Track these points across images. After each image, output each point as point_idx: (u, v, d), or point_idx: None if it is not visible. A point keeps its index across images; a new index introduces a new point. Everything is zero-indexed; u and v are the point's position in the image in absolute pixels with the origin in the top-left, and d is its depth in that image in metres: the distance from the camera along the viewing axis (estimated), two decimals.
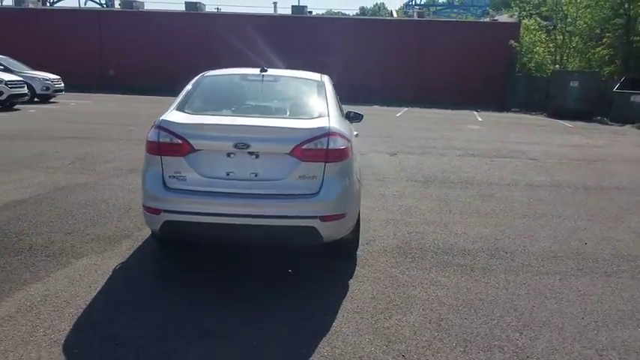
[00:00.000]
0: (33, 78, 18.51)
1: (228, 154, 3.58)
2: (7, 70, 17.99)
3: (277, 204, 3.55)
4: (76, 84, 23.57)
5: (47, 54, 26.85)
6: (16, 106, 16.42)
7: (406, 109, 23.93)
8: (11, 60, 19.28)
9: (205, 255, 4.45)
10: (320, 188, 3.63)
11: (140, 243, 4.61)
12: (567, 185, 7.95)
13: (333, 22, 32.80)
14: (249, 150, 3.56)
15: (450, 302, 3.72)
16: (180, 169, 3.60)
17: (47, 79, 18.86)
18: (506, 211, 6.29)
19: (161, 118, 3.74)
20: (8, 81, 15.63)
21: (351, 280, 4.03)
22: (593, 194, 7.42)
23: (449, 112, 22.97)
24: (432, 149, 11.24)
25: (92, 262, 4.19)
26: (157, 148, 3.63)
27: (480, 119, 20.45)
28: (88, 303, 3.51)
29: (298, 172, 3.60)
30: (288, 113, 4.12)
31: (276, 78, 4.56)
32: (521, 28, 28.42)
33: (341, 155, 3.71)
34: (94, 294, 3.65)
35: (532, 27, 28.26)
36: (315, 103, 4.21)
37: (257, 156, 3.59)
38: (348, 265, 4.30)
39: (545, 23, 29.39)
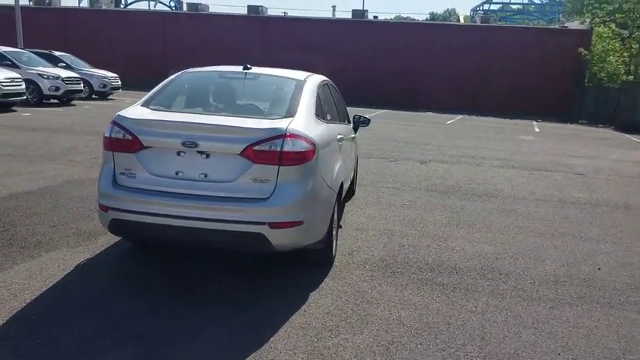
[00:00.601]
0: (91, 75, 19.45)
1: (179, 153, 3.43)
2: (68, 67, 18.98)
3: (225, 207, 3.35)
4: (140, 83, 24.74)
5: (114, 53, 28.25)
6: (74, 102, 17.27)
7: (461, 116, 23.10)
8: (74, 58, 20.34)
9: (175, 255, 4.33)
10: (272, 193, 3.40)
11: (116, 240, 4.56)
12: (606, 204, 7.23)
13: (397, 26, 32.26)
14: (198, 149, 3.40)
15: (410, 324, 3.38)
16: (131, 166, 3.49)
17: (105, 77, 19.72)
18: (522, 228, 5.76)
19: (117, 113, 3.65)
20: (65, 77, 16.46)
21: (314, 292, 3.77)
22: (633, 215, 6.69)
23: (507, 121, 21.94)
24: (468, 159, 10.67)
25: (60, 256, 4.18)
26: (109, 144, 3.54)
27: (537, 130, 19.34)
28: (34, 297, 3.47)
29: (250, 174, 3.39)
30: (253, 112, 3.92)
31: (255, 76, 4.38)
32: (593, 36, 26.67)
33: (298, 158, 3.46)
34: (46, 289, 3.60)
35: (605, 35, 26.41)
36: (286, 103, 3.98)
37: (207, 156, 3.41)
38: (318, 276, 4.03)
39: (619, 31, 27.44)
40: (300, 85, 4.23)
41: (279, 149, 3.37)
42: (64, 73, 16.72)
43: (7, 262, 3.99)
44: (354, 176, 6.51)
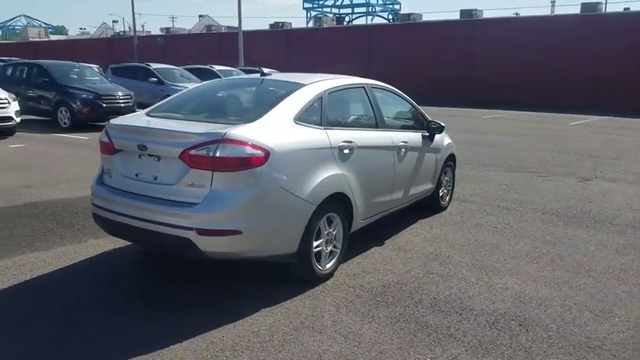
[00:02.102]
0: None
1: (140, 156, 3.58)
2: None
3: (162, 209, 3.38)
4: None
5: (317, 68, 30.51)
6: None
7: (597, 117, 18.42)
8: (274, 72, 22.56)
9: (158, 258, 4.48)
10: (204, 199, 3.29)
11: None
12: None
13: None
14: (148, 152, 3.50)
15: (329, 357, 2.90)
16: (110, 167, 3.78)
17: None
18: (625, 271, 4.37)
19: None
20: None
21: (265, 309, 3.51)
22: None
23: None
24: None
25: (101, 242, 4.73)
26: (100, 147, 3.90)
27: None
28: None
29: (188, 179, 3.35)
30: (222, 117, 3.82)
31: (261, 82, 4.30)
32: None
33: (235, 164, 3.28)
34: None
35: None
36: (261, 108, 3.80)
37: (159, 159, 3.49)
38: (288, 292, 3.75)
39: None
40: (293, 89, 4.00)
41: (211, 154, 3.25)
42: None
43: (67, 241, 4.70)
44: (436, 189, 5.83)
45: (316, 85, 4.14)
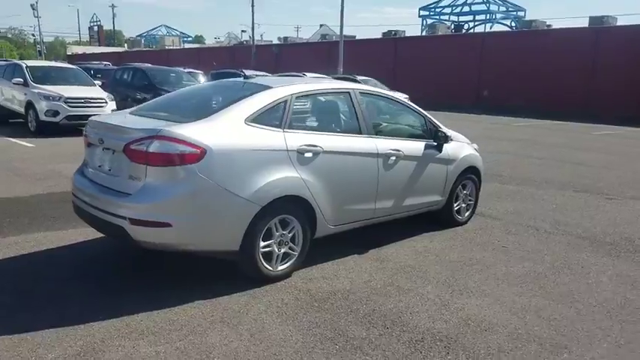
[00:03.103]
0: None
1: (103, 149, 3.92)
2: None
3: (108, 199, 3.66)
4: (453, 104, 26.14)
5: (424, 76, 30.01)
6: None
7: None
8: (374, 81, 22.59)
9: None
10: (137, 190, 3.52)
11: None
12: None
13: None
14: (104, 146, 3.82)
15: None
16: (87, 159, 4.18)
17: None
18: (622, 307, 3.85)
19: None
20: None
21: (199, 301, 3.64)
22: None
23: None
24: None
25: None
26: (84, 141, 4.31)
27: None
28: None
29: (129, 171, 3.60)
30: (178, 116, 3.98)
31: (239, 84, 4.45)
32: None
33: (168, 160, 3.45)
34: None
35: None
36: (217, 107, 3.94)
37: (113, 152, 3.78)
38: (234, 288, 3.84)
39: None
40: (257, 91, 4.10)
41: (145, 149, 3.47)
42: None
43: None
44: (449, 202, 5.55)
45: (283, 88, 4.19)
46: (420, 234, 5.41)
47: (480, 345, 3.21)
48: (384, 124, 4.99)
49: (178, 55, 49.89)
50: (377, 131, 4.80)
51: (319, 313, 3.55)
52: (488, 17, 49.12)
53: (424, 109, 5.38)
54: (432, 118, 5.42)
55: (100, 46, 69.93)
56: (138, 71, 15.18)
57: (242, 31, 75.14)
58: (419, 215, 5.49)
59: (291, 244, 4.08)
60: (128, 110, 4.52)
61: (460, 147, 5.64)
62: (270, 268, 3.97)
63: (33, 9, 47.58)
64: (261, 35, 63.62)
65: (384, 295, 3.89)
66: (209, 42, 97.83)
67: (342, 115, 4.71)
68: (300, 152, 4.01)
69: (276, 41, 53.34)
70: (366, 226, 4.87)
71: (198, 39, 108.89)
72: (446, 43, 32.87)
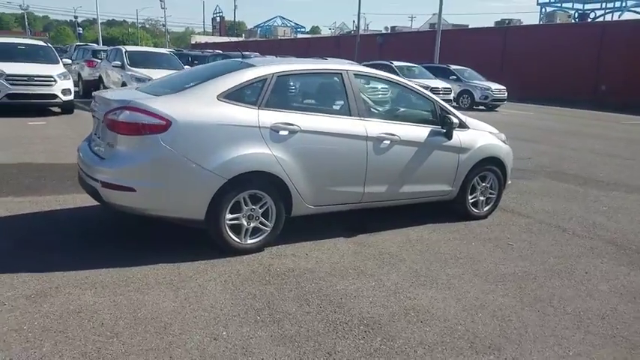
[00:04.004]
0: (475, 87, 20.35)
1: (96, 119, 4.30)
2: (458, 80, 20.62)
3: (90, 164, 4.02)
4: (566, 98, 24.44)
5: (535, 68, 28.02)
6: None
7: None
8: (470, 72, 21.69)
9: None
10: (109, 156, 3.84)
11: None
12: None
13: None
14: (96, 116, 4.19)
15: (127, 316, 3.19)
16: (94, 130, 4.59)
17: (488, 89, 20.20)
18: (589, 318, 3.47)
19: None
20: (433, 87, 18.02)
21: (161, 264, 3.89)
22: None
23: None
24: None
25: None
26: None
27: None
28: None
29: (107, 138, 3.93)
30: (161, 90, 4.19)
31: (234, 63, 4.61)
32: None
33: (134, 129, 3.72)
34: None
35: None
36: (196, 83, 4.13)
37: (101, 121, 4.14)
38: (200, 256, 4.04)
39: None
40: (238, 69, 4.24)
41: (116, 118, 3.77)
42: (434, 84, 18.32)
43: None
44: (462, 194, 5.32)
45: (266, 67, 4.27)
46: (427, 223, 5.24)
47: (404, 334, 3.10)
48: (382, 107, 4.88)
49: (288, 44, 51.50)
50: (372, 114, 4.71)
51: (264, 286, 3.63)
52: (617, 5, 44.47)
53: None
54: (444, 104, 5.18)
55: (220, 36, 74.29)
56: (224, 57, 16.05)
57: (353, 21, 75.55)
58: (436, 204, 5.31)
59: (262, 220, 4.18)
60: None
61: (478, 135, 5.32)
62: (239, 241, 4.11)
63: (160, 0, 51.89)
64: (367, 25, 63.47)
65: (341, 277, 3.86)
66: (324, 33, 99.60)
67: (329, 96, 4.69)
68: (275, 130, 4.08)
69: (384, 31, 52.89)
70: (369, 210, 4.84)
71: (315, 30, 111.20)
72: (561, 32, 30.40)
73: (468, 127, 5.28)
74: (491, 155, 5.41)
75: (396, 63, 19.76)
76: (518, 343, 3.08)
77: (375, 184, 4.69)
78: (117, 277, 3.63)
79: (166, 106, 3.81)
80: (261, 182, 4.10)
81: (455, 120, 4.95)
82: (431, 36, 37.10)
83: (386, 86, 5.12)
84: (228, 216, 4.02)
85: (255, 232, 4.19)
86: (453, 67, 21.56)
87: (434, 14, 68.28)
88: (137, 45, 60.20)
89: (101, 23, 49.76)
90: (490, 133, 5.54)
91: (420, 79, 18.76)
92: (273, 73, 4.25)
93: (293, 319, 3.19)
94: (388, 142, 4.63)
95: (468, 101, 20.36)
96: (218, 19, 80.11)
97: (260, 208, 4.16)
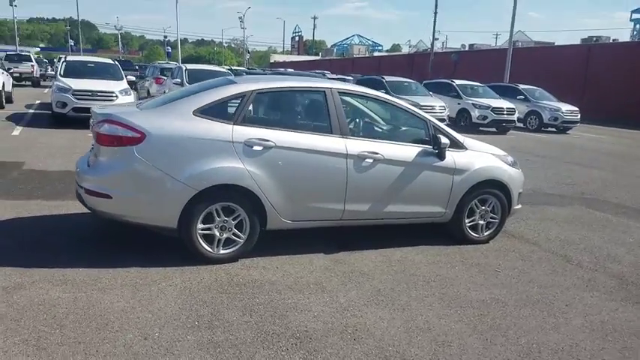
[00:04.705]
0: (543, 108, 19.44)
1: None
2: (526, 100, 19.87)
3: (79, 173, 4.38)
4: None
5: (621, 87, 26.30)
6: (510, 132, 18.07)
7: None
8: (541, 92, 20.79)
9: None
10: (93, 165, 4.18)
11: None
12: None
13: None
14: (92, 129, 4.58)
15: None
16: None
17: (557, 110, 19.23)
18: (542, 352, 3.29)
19: None
20: (495, 107, 17.46)
21: (130, 268, 4.16)
22: None
23: None
24: None
25: None
26: None
27: None
28: None
29: (95, 149, 4.29)
30: (148, 104, 4.52)
31: (222, 80, 4.85)
32: None
33: (110, 141, 4.03)
34: None
35: None
36: (179, 98, 4.40)
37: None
38: (173, 262, 4.27)
39: None
40: (220, 85, 4.47)
41: (98, 130, 4.11)
42: (496, 103, 17.74)
43: None
44: (458, 216, 5.19)
45: (246, 84, 4.47)
46: (420, 245, 5.15)
47: (330, 350, 3.12)
48: (367, 126, 4.90)
49: (362, 62, 51.96)
50: (355, 132, 4.76)
51: (219, 295, 3.77)
52: None
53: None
54: (439, 123, 5.11)
55: (298, 54, 76.41)
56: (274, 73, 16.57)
57: (434, 39, 74.59)
58: (437, 226, 5.27)
59: (235, 231, 4.34)
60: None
61: (476, 157, 5.18)
62: (211, 250, 4.30)
63: (240, 21, 54.51)
64: (443, 43, 62.52)
65: (299, 291, 3.93)
66: (405, 51, 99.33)
67: (310, 113, 4.79)
68: (248, 145, 4.25)
69: (461, 48, 51.90)
70: (363, 228, 5.01)
71: (395, 48, 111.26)
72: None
73: (466, 148, 5.16)
74: (491, 178, 5.23)
75: (457, 82, 19.38)
76: None
77: (357, 202, 4.71)
78: (89, 276, 3.93)
79: (143, 119, 4.10)
80: (234, 195, 4.27)
81: (445, 140, 4.86)
82: (504, 54, 35.98)
83: (375, 105, 5.13)
84: (201, 226, 4.22)
85: (229, 242, 4.36)
86: (521, 86, 20.76)
87: (518, 31, 66.13)
88: (221, 64, 63.32)
89: (191, 42, 52.91)
90: (492, 154, 5.36)
91: (482, 98, 18.31)
92: (253, 90, 4.44)
93: (228, 327, 3.31)
94: (371, 160, 4.65)
95: (536, 122, 19.48)
96: (297, 38, 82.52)
97: (233, 220, 4.32)
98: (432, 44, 41.67)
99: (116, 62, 14.47)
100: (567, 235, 5.93)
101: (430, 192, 4.99)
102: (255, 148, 4.28)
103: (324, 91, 4.68)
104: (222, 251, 4.34)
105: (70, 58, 14.32)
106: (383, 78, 18.05)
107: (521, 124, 19.79)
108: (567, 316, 3.81)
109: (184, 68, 14.68)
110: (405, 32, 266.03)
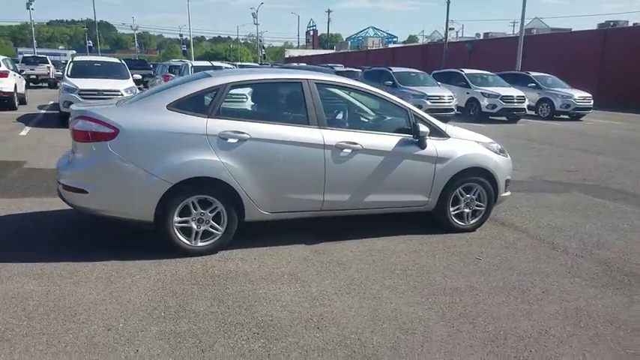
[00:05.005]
0: (555, 95, 19.09)
1: None
2: (537, 87, 19.54)
3: (58, 170, 4.44)
4: None
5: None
6: (521, 120, 17.81)
7: None
8: (554, 79, 20.40)
9: None
10: (70, 162, 4.25)
11: None
12: None
13: None
14: None
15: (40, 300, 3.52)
16: None
17: (570, 97, 18.85)
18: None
19: None
20: (504, 95, 17.19)
21: (104, 261, 4.23)
22: None
23: None
24: None
25: None
26: None
27: None
28: None
29: (72, 146, 4.36)
30: (123, 100, 4.58)
31: (196, 74, 4.89)
32: None
33: (84, 137, 4.08)
34: None
35: None
36: (153, 94, 4.44)
37: None
38: (150, 254, 4.33)
39: None
40: (194, 79, 4.50)
41: (73, 127, 4.18)
42: (505, 92, 17.46)
43: None
44: (442, 205, 5.15)
45: (221, 78, 4.49)
46: (406, 234, 5.13)
47: (291, 339, 3.13)
48: (346, 116, 4.87)
49: (376, 55, 51.60)
50: (333, 123, 4.74)
51: (191, 286, 3.81)
52: None
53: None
54: (420, 112, 5.07)
55: (313, 49, 76.25)
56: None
57: (450, 28, 73.62)
58: (426, 215, 5.24)
59: (213, 224, 4.38)
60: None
61: (459, 145, 5.12)
62: (189, 243, 4.34)
63: (254, 17, 54.63)
64: (457, 32, 61.68)
65: (272, 281, 3.94)
66: (421, 42, 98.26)
67: (287, 105, 4.78)
68: (223, 138, 4.27)
69: (474, 37, 51.17)
70: (349, 217, 5.01)
71: (412, 39, 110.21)
72: None
73: (448, 136, 5.10)
74: (476, 165, 5.17)
75: (466, 71, 19.13)
76: (403, 356, 2.98)
77: (337, 193, 4.70)
78: (66, 270, 4.01)
79: (116, 115, 4.15)
80: (210, 188, 4.29)
81: (424, 129, 4.81)
82: (513, 42, 35.40)
83: (354, 95, 5.10)
84: (177, 219, 4.26)
85: (207, 235, 4.39)
86: (533, 74, 20.40)
87: (534, 18, 64.93)
88: (237, 60, 63.60)
89: (208, 40, 53.21)
90: (477, 142, 5.29)
91: (492, 87, 18.05)
92: (227, 83, 4.45)
93: (193, 318, 3.34)
94: (349, 150, 4.63)
95: (548, 110, 19.14)
96: (312, 32, 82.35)
97: (210, 212, 4.35)
98: (446, 34, 41.20)
99: (122, 61, 14.62)
100: (559, 222, 5.83)
101: (412, 181, 4.96)
102: (230, 140, 4.29)
103: (301, 83, 4.67)
104: (200, 243, 4.38)
105: (77, 58, 14.53)
106: (390, 69, 17.89)
107: (533, 112, 19.46)
108: (542, 302, 3.76)
109: (190, 65, 14.79)
110: (423, 23, 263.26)
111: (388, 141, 4.83)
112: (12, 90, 15.04)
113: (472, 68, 21.04)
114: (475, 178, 5.22)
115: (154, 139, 4.15)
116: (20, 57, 30.82)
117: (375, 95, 5.03)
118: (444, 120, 5.88)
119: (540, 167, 9.23)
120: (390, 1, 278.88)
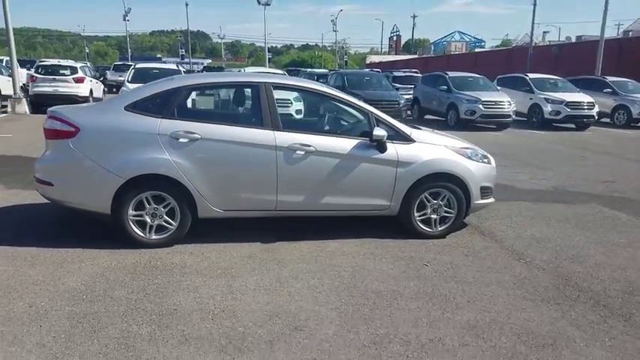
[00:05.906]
0: (633, 101, 17.63)
1: None
2: (613, 93, 18.15)
3: (35, 165, 4.96)
4: None
5: None
6: (591, 128, 16.64)
7: None
8: (635, 84, 18.85)
9: None
10: (41, 157, 4.74)
11: None
12: None
13: None
14: None
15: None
16: None
17: None
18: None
19: None
20: (570, 102, 16.14)
21: (63, 249, 4.65)
22: None
23: None
24: None
25: None
26: None
27: None
28: None
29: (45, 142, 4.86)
30: (98, 102, 4.99)
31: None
32: None
33: (50, 135, 4.56)
34: None
35: None
36: (124, 93, 4.82)
37: None
38: (108, 244, 4.70)
39: None
40: (157, 82, 4.82)
41: (44, 125, 4.67)
42: (572, 98, 16.37)
43: None
44: (406, 210, 5.10)
45: (180, 81, 4.78)
46: (368, 237, 5.13)
47: (179, 327, 3.31)
48: (302, 119, 4.97)
49: (456, 59, 50.18)
50: (288, 125, 4.87)
51: (125, 275, 4.08)
52: None
53: None
54: (383, 116, 5.04)
55: (395, 54, 75.67)
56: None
57: (544, 32, 69.87)
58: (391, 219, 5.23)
59: (167, 218, 4.67)
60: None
61: (425, 149, 5.03)
62: (143, 235, 4.67)
63: (333, 24, 55.41)
64: (544, 36, 58.18)
65: (201, 275, 4.15)
66: (519, 44, 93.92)
67: (241, 107, 4.96)
68: (174, 137, 4.56)
69: (566, 40, 48.15)
70: (319, 218, 5.17)
71: (505, 42, 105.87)
72: None
73: (413, 141, 5.03)
74: (442, 171, 5.05)
75: (531, 75, 18.17)
76: (274, 350, 3.06)
77: (290, 193, 4.81)
78: (30, 253, 4.45)
79: (79, 115, 4.58)
80: (163, 184, 4.59)
81: (379, 132, 4.79)
82: (615, 44, 32.88)
83: (314, 99, 5.18)
84: (132, 212, 4.60)
85: (161, 229, 4.69)
86: (610, 79, 18.94)
87: (638, 19, 59.85)
88: (320, 67, 64.72)
89: (296, 47, 54.67)
90: (446, 147, 5.16)
91: (558, 92, 17.02)
92: (185, 86, 4.74)
93: (109, 302, 3.62)
94: (302, 152, 4.73)
95: (624, 117, 17.68)
96: (394, 37, 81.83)
97: (164, 207, 4.65)
98: (531, 38, 39.16)
99: (179, 67, 15.72)
100: (547, 233, 5.50)
101: (370, 184, 4.94)
102: (181, 140, 4.56)
103: (258, 86, 4.85)
104: (154, 237, 4.68)
105: (138, 65, 15.69)
106: (446, 74, 17.47)
107: (608, 120, 18.08)
108: (458, 312, 3.63)
109: (244, 71, 15.47)
110: (515, 26, 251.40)
111: (345, 144, 4.86)
112: (87, 94, 16.60)
113: (559, 74, 19.80)
114: (443, 184, 5.09)
115: (111, 138, 4.53)
116: (112, 65, 33.70)
117: (336, 98, 5.08)
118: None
119: (573, 177, 8.66)
120: (481, 4, 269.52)
